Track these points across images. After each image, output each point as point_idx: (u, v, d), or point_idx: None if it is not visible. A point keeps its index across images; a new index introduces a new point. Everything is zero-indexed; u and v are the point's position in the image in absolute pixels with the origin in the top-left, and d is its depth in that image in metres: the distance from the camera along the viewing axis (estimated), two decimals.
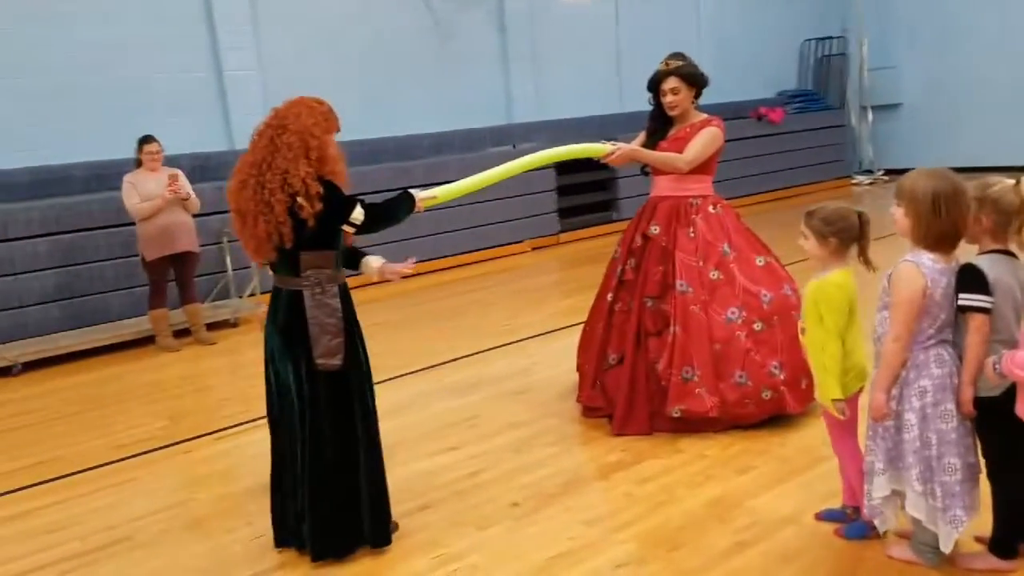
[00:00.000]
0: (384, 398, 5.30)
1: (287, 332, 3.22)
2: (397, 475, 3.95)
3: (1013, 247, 2.68)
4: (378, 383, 5.48)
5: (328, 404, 3.21)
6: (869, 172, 14.14)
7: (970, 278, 2.64)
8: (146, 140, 6.70)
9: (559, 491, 3.74)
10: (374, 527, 3.30)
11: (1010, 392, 2.57)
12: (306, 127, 3.12)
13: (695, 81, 4.26)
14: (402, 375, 5.78)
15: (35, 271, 7.05)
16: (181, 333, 7.05)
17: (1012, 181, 2.64)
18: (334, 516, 3.25)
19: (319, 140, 3.13)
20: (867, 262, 3.00)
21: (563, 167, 10.04)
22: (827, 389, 2.98)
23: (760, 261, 4.24)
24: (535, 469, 4.00)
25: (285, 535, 3.38)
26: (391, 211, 3.41)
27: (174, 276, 6.85)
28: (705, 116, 4.31)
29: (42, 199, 7.36)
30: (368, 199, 3.37)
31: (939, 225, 2.64)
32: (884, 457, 2.81)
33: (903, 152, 13.99)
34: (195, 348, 6.88)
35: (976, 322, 2.62)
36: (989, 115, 12.93)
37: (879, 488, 2.83)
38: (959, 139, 13.15)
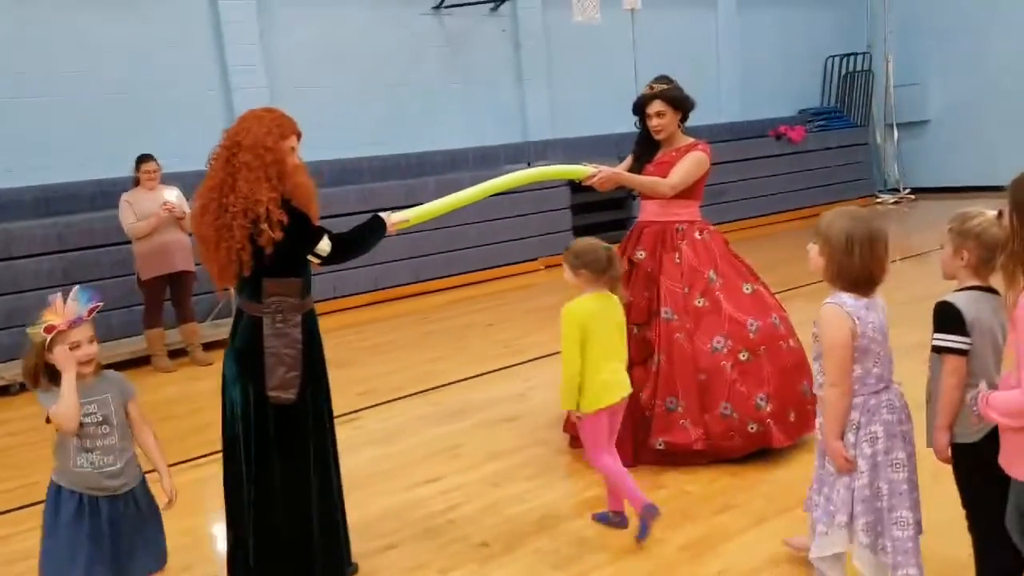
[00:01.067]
0: (374, 424, 5.29)
1: (242, 358, 3.11)
2: (369, 510, 3.85)
3: (995, 283, 2.50)
4: (371, 407, 5.54)
5: (279, 439, 3.07)
6: (895, 191, 13.85)
7: (945, 317, 2.45)
8: (144, 159, 6.70)
9: (531, 530, 3.59)
10: (325, 573, 3.15)
11: (991, 436, 2.38)
12: (257, 140, 2.97)
13: (681, 104, 4.11)
14: (396, 399, 5.68)
15: (38, 289, 7.05)
16: (178, 353, 7.02)
17: (993, 213, 2.45)
18: (280, 561, 3.09)
19: (273, 152, 2.97)
20: (616, 293, 3.44)
21: (579, 185, 9.92)
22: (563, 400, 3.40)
23: (747, 289, 4.08)
24: (511, 505, 3.86)
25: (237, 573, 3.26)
26: (360, 241, 3.26)
27: (170, 296, 6.82)
28: (691, 140, 4.17)
29: (49, 217, 7.39)
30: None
31: (851, 267, 2.52)
32: (844, 511, 2.58)
33: (930, 170, 13.71)
34: (191, 368, 6.83)
35: (951, 364, 2.44)
36: (1018, 132, 12.60)
37: (828, 546, 2.62)
38: (988, 156, 12.82)
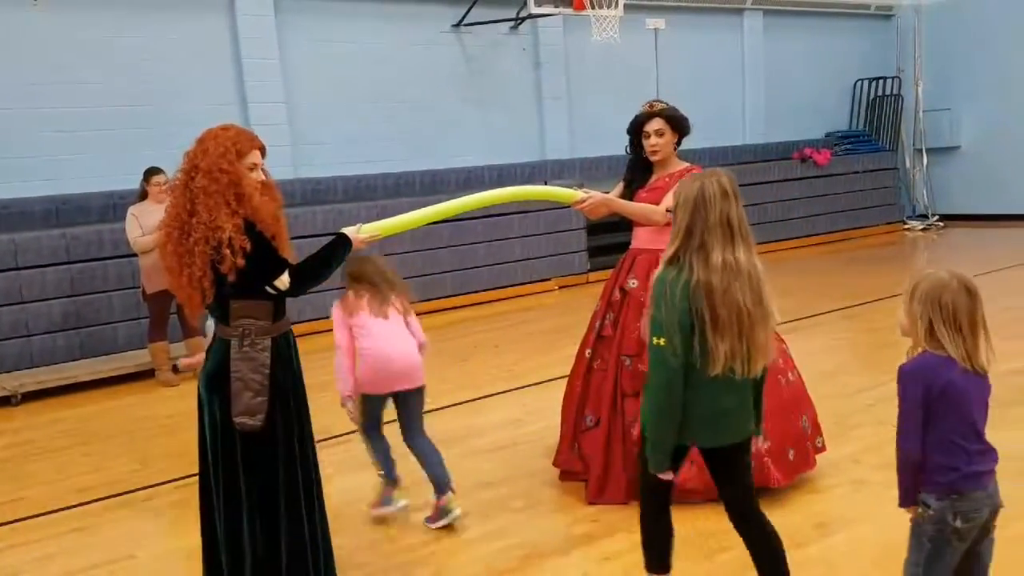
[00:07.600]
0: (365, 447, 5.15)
1: (211, 382, 3.02)
2: (349, 539, 3.75)
3: None
4: None
5: (246, 466, 2.96)
6: (924, 217, 13.55)
7: None
8: (152, 172, 6.67)
9: (512, 567, 3.46)
10: None
11: None
12: (214, 162, 2.86)
13: (679, 126, 3.97)
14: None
15: (43, 300, 7.06)
16: None
17: None
18: None
19: (229, 174, 2.86)
20: None
21: None
22: None
23: None
24: (495, 539, 3.73)
25: None
26: (322, 266, 3.11)
27: (176, 309, 6.77)
28: (686, 165, 4.02)
29: (58, 228, 7.40)
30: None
31: None
32: None
33: (961, 197, 13.41)
34: (194, 382, 6.74)
35: None
36: None
37: None
38: (1021, 184, 12.56)
